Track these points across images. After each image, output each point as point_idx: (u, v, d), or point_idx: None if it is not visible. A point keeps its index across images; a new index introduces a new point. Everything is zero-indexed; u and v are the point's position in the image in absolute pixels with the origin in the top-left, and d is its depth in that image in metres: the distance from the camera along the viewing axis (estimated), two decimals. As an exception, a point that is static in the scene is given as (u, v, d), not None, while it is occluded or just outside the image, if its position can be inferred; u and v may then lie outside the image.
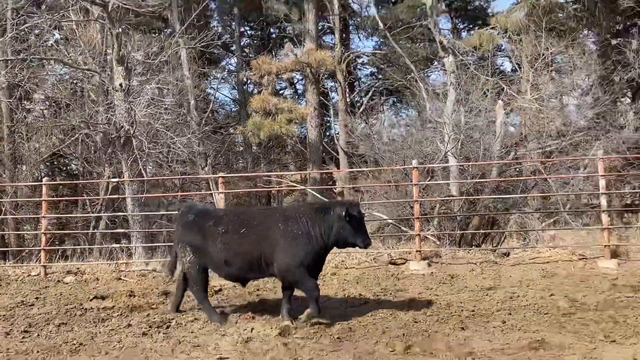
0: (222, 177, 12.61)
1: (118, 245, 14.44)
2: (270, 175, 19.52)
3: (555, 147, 15.73)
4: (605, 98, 17.77)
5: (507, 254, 12.29)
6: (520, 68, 19.29)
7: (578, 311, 8.36)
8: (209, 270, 8.37)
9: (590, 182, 14.24)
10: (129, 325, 8.11)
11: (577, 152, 15.65)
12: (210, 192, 16.62)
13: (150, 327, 7.97)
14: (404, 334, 7.41)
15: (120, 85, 15.50)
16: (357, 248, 8.36)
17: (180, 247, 8.29)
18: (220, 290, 10.22)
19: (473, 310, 8.58)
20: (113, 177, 15.92)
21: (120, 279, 11.36)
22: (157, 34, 24.93)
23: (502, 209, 14.35)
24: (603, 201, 11.81)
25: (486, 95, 16.74)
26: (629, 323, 7.68)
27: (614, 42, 22.87)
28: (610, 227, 11.85)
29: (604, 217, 11.71)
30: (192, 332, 7.80)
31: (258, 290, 10.28)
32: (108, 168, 17.52)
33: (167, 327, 8.02)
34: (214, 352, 7.01)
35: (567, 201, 14.21)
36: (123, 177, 15.42)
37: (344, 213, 7.71)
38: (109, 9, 15.44)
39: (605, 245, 11.57)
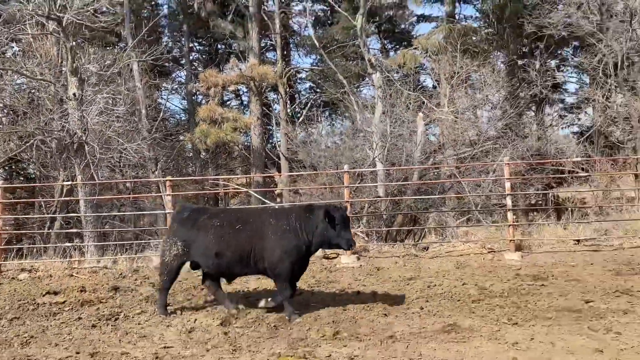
0: (170, 180, 12.41)
1: (71, 244, 13.94)
2: (216, 178, 19.25)
3: (468, 154, 16.09)
4: (512, 111, 18.32)
5: (426, 248, 12.49)
6: (439, 84, 19.68)
7: (486, 298, 8.57)
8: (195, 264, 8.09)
9: (498, 184, 14.63)
10: (79, 318, 7.86)
11: (487, 158, 16.05)
12: (160, 194, 16.29)
13: (99, 319, 7.75)
14: (333, 321, 7.44)
15: (74, 94, 15.01)
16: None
17: (170, 240, 7.98)
18: (167, 285, 10.03)
19: (395, 298, 8.71)
20: (67, 181, 15.39)
21: (72, 275, 10.94)
22: (110, 48, 24.39)
23: (422, 208, 14.61)
24: (508, 201, 12.17)
25: (409, 108, 17.00)
26: (529, 308, 7.92)
27: (520, 62, 23.69)
28: (514, 224, 12.23)
29: (509, 215, 12.07)
30: (139, 324, 7.62)
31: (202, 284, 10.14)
32: (63, 172, 16.92)
33: (116, 320, 7.82)
34: (159, 341, 6.88)
35: (478, 201, 14.56)
36: (76, 181, 14.93)
37: (322, 214, 7.52)
38: (64, 24, 14.93)
39: (510, 240, 11.91)
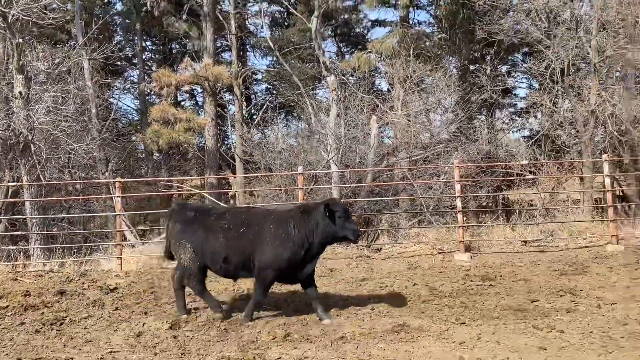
0: (119, 181, 12.14)
1: (16, 247, 13.46)
2: (169, 180, 18.93)
3: (420, 157, 16.29)
4: (463, 115, 18.66)
5: (379, 249, 12.61)
6: (392, 87, 19.87)
7: (436, 298, 8.70)
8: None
9: (449, 186, 14.86)
10: (22, 323, 7.62)
11: (438, 161, 16.29)
12: (110, 195, 15.92)
13: (43, 324, 7.53)
14: (284, 323, 7.43)
15: (20, 93, 14.52)
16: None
17: (181, 244, 7.69)
18: (115, 288, 9.81)
19: (347, 299, 8.74)
20: (12, 182, 14.85)
21: (16, 279, 10.58)
22: (61, 46, 23.72)
23: (375, 210, 14.74)
24: (458, 203, 12.40)
25: (363, 111, 17.11)
26: (477, 307, 8.08)
27: (471, 67, 24.15)
28: (464, 225, 12.47)
29: (460, 217, 12.30)
30: (85, 328, 7.45)
31: (152, 287, 9.97)
32: (8, 172, 16.31)
33: (61, 324, 7.61)
34: (106, 346, 6.73)
35: (430, 203, 14.76)
36: (22, 182, 14.44)
37: (322, 210, 7.35)
38: (9, 20, 14.43)
39: (460, 241, 12.13)
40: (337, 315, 7.76)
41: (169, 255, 8.22)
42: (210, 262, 7.63)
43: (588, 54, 16.76)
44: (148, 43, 30.45)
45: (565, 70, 17.08)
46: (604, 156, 13.27)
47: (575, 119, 17.25)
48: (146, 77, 26.10)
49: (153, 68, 27.28)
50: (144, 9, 24.89)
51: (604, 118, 16.18)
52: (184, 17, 24.96)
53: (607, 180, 13.12)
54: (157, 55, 30.93)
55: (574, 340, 6.28)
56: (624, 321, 6.93)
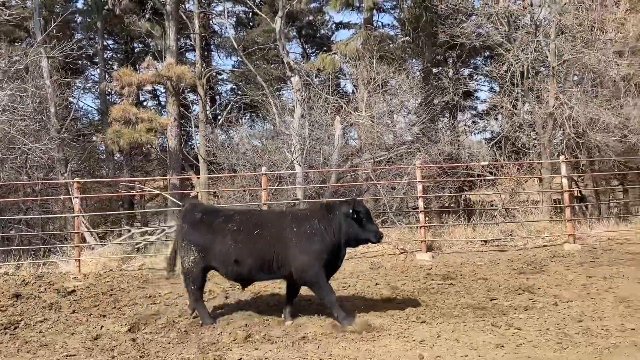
0: (77, 182, 11.86)
1: (-31, 250, 13.05)
2: (131, 180, 18.56)
3: (384, 158, 16.40)
4: (426, 117, 18.87)
5: (342, 250, 12.58)
6: (357, 89, 19.95)
7: (397, 297, 8.75)
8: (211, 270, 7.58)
9: (412, 187, 14.98)
10: (-26, 328, 7.38)
11: (402, 162, 16.42)
12: (69, 196, 15.53)
13: (-4, 328, 7.31)
14: (246, 324, 7.34)
15: (-26, 91, 14.11)
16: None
17: (185, 245, 7.37)
18: (73, 291, 9.60)
19: (310, 300, 8.71)
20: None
21: (-31, 283, 10.27)
22: (19, 43, 23.12)
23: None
24: (420, 203, 12.51)
25: (327, 112, 17.14)
26: (438, 306, 8.15)
27: (434, 70, 24.46)
28: (426, 225, 12.59)
29: (421, 217, 12.41)
30: (40, 332, 7.25)
31: (111, 290, 9.78)
32: (-38, 173, 15.85)
33: (15, 328, 7.40)
34: (62, 349, 6.56)
35: (393, 203, 14.86)
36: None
37: (350, 210, 7.07)
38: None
39: (422, 241, 12.24)
40: (299, 315, 7.73)
41: (173, 264, 7.81)
42: (218, 264, 7.30)
43: (547, 57, 17.15)
44: (110, 42, 29.88)
45: (525, 74, 17.45)
46: (562, 157, 13.58)
47: (534, 121, 17.63)
48: (107, 76, 25.63)
49: (114, 67, 26.80)
50: (105, 7, 24.41)
51: (562, 120, 16.57)
52: (147, 16, 24.57)
53: (565, 181, 13.43)
54: (118, 54, 30.39)
55: (530, 337, 6.38)
56: (579, 318, 7.09)
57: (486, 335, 6.48)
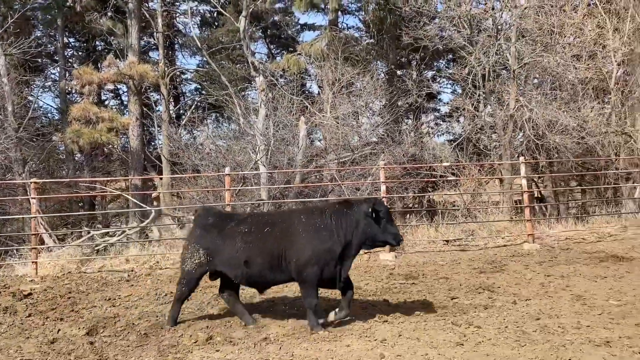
0: (35, 182, 11.55)
1: None
2: (93, 181, 18.17)
3: (349, 158, 16.45)
4: (390, 118, 19.01)
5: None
6: (322, 90, 19.98)
7: (360, 297, 8.76)
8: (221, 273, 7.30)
9: (376, 188, 15.05)
10: None
11: (366, 162, 16.50)
12: (27, 197, 15.11)
13: (-54, 334, 7.06)
14: (207, 326, 7.28)
15: None
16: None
17: (192, 247, 7.22)
18: (30, 294, 9.35)
19: (273, 301, 8.67)
20: None
21: None
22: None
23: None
24: (384, 204, 12.55)
25: (292, 112, 17.10)
26: (400, 305, 8.20)
27: (398, 72, 24.66)
28: (389, 225, 12.62)
29: (385, 217, 12.44)
30: (-7, 337, 7.04)
31: (70, 293, 9.56)
32: None
33: (-34, 334, 7.16)
34: (16, 354, 6.39)
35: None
36: None
37: (370, 209, 6.74)
38: None
39: (385, 241, 12.26)
40: (262, 317, 7.68)
41: None
42: (227, 268, 7.07)
43: (508, 60, 17.48)
44: (71, 40, 29.19)
45: (486, 76, 17.74)
46: (521, 159, 13.85)
47: (495, 123, 17.93)
48: (68, 74, 25.04)
49: (75, 65, 26.15)
50: (66, 4, 23.83)
51: (522, 122, 16.91)
52: (109, 13, 24.10)
53: (524, 182, 13.69)
54: (79, 53, 29.68)
55: (489, 335, 6.47)
56: (537, 316, 7.21)
57: (446, 334, 6.53)
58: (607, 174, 16.79)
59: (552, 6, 17.17)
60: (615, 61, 17.31)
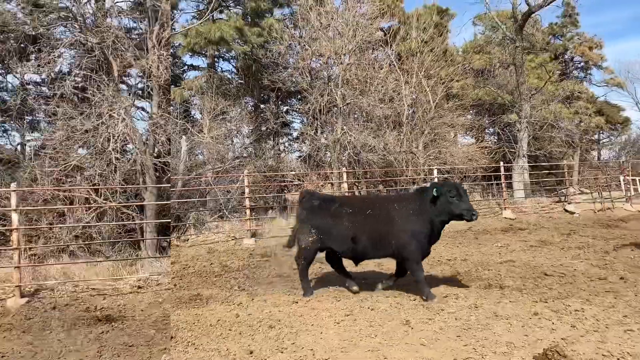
0: None
1: None
2: None
3: (222, 168, 16.07)
4: (254, 139, 18.88)
5: (186, 240, 12.07)
6: (202, 115, 19.29)
7: (225, 273, 8.58)
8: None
9: (242, 191, 14.85)
10: None
11: (235, 171, 16.25)
12: None
13: None
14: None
15: None
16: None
17: (305, 227, 6.44)
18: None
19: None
20: None
21: None
22: None
23: (185, 209, 14.01)
24: (247, 202, 12.46)
25: (177, 133, 16.24)
26: (256, 277, 8.19)
27: (261, 105, 24.55)
28: (251, 218, 12.56)
29: (248, 212, 12.37)
30: None
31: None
32: None
33: None
34: None
35: (228, 203, 14.59)
36: None
37: (435, 191, 6.11)
38: None
39: (248, 230, 12.14)
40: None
41: (293, 242, 6.87)
42: (336, 244, 6.42)
43: (336, 100, 18.21)
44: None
45: (322, 111, 18.33)
46: (344, 169, 14.51)
47: (328, 144, 18.58)
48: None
49: None
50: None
51: (345, 144, 17.71)
52: None
53: (345, 185, 14.28)
54: None
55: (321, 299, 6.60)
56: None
57: (288, 297, 6.60)
58: (400, 180, 18.10)
59: (366, 64, 18.25)
60: (406, 103, 18.83)
